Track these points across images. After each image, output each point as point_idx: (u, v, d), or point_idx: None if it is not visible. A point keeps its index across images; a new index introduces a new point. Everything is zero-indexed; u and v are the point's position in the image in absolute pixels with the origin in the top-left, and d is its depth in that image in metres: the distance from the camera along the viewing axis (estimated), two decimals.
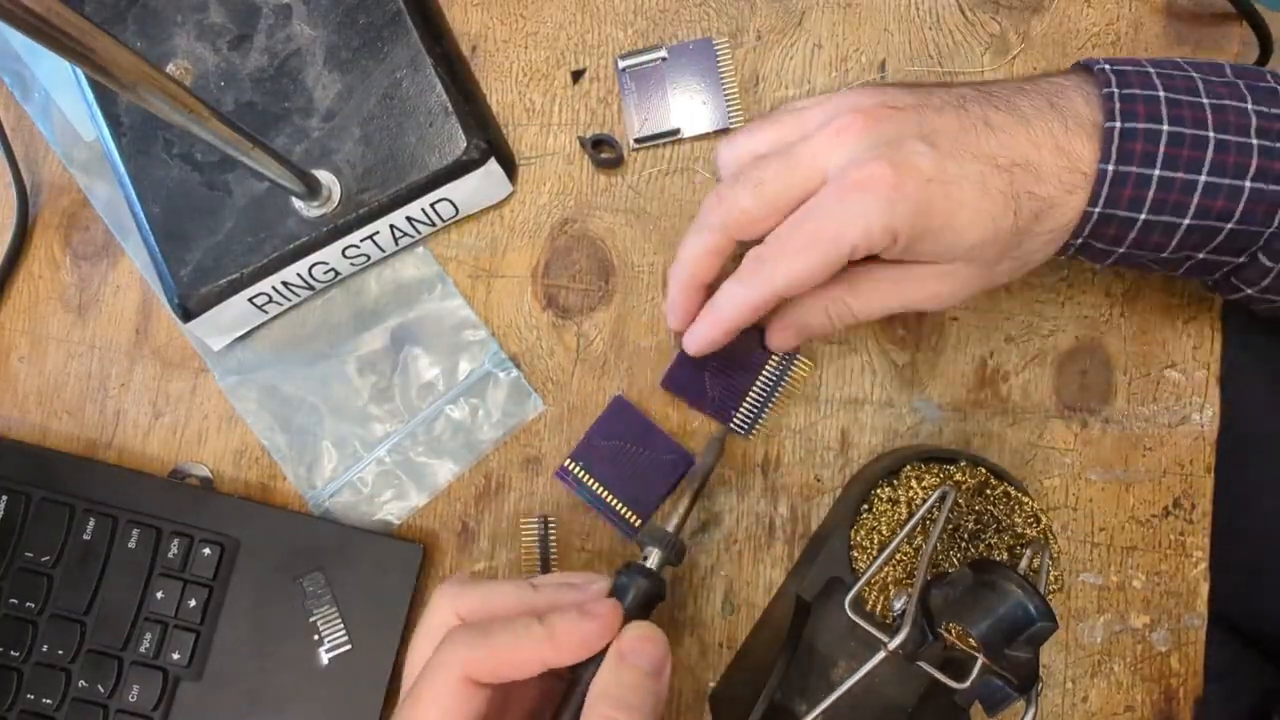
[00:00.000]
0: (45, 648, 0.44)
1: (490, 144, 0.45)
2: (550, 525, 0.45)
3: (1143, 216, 0.35)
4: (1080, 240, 0.36)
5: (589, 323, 0.46)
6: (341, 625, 0.44)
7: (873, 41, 0.46)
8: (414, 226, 0.46)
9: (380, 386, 0.47)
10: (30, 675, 0.44)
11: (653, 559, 0.36)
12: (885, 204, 0.33)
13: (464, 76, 0.46)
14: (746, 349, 0.43)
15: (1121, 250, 0.37)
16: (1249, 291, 0.38)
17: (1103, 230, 0.36)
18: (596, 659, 0.32)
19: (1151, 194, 0.34)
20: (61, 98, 0.50)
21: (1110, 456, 0.44)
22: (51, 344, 0.49)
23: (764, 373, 0.44)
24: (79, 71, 0.47)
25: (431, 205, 0.45)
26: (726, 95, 0.46)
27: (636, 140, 0.46)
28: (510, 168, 0.46)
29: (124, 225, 0.49)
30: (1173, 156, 0.34)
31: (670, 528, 0.37)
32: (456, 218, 0.47)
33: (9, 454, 0.47)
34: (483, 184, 0.45)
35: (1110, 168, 0.34)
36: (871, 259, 0.36)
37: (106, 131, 0.46)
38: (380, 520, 0.46)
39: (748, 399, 0.44)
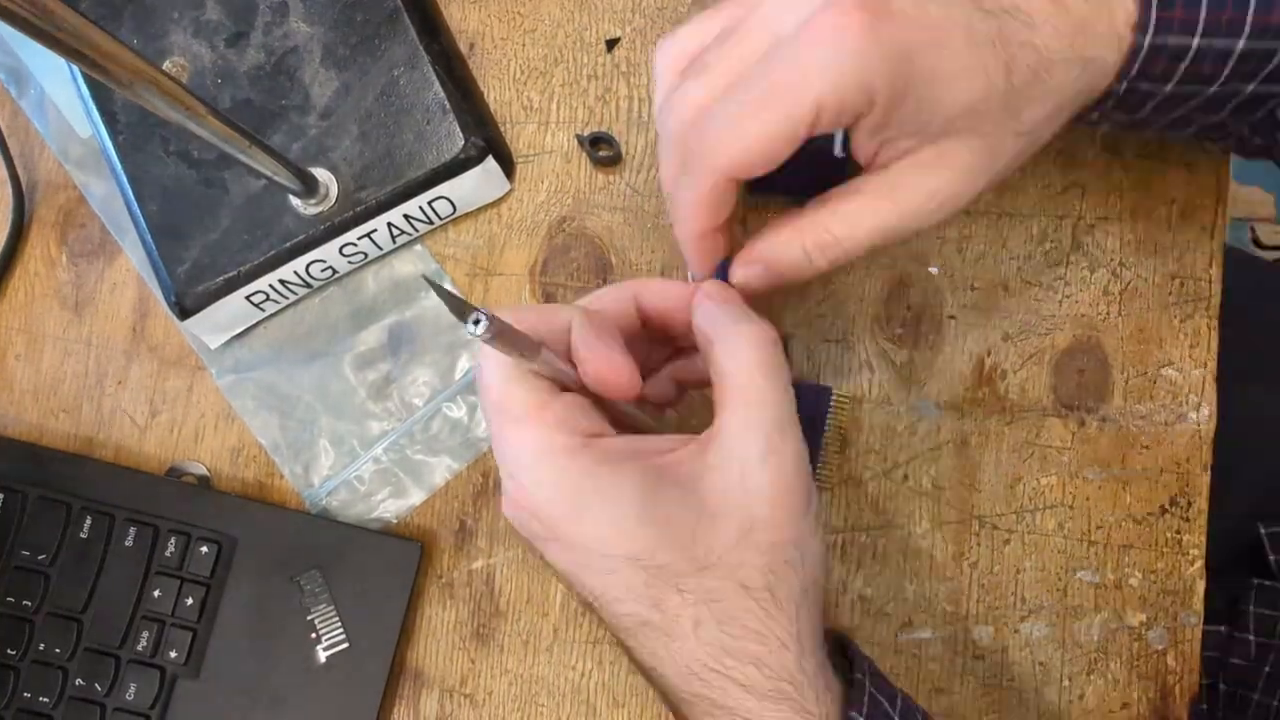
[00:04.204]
0: (42, 646, 0.44)
1: (488, 142, 0.45)
2: None
3: (1195, 41, 0.31)
4: (1124, 85, 0.32)
5: None
6: (339, 623, 0.44)
7: None
8: (412, 224, 0.46)
9: (378, 384, 0.47)
10: (27, 673, 0.44)
11: None
12: (858, 49, 0.28)
13: (462, 74, 0.46)
14: None
15: (1168, 89, 0.33)
16: None
17: (1151, 67, 0.32)
18: None
19: (1204, 13, 0.31)
20: (57, 94, 0.50)
21: (1107, 455, 0.44)
22: (48, 342, 0.49)
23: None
24: (75, 68, 0.47)
25: (429, 203, 0.45)
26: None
27: None
28: (508, 166, 0.46)
29: (121, 223, 0.49)
30: None
31: None
32: (454, 216, 0.47)
33: (5, 452, 0.47)
34: (480, 182, 0.45)
35: None
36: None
37: (103, 128, 0.46)
38: (378, 518, 0.46)
39: None
